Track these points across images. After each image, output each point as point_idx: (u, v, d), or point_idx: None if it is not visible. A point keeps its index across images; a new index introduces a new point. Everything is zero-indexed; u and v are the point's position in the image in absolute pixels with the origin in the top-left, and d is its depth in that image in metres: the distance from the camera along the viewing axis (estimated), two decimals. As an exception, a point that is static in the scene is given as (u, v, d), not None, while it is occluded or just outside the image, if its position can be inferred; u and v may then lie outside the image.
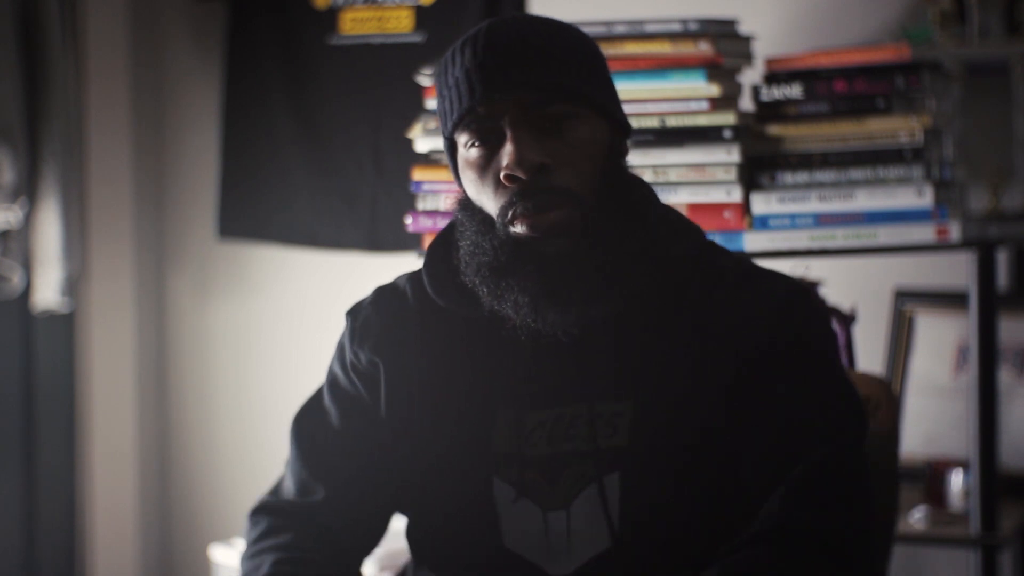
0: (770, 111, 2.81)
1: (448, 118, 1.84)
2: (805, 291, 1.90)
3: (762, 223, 2.76)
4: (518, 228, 1.80)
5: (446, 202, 2.83)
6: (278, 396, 3.82)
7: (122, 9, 3.90)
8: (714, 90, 2.74)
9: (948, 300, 3.26)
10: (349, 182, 3.77)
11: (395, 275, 2.02)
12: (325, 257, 3.81)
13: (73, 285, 3.79)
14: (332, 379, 2.00)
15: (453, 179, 1.90)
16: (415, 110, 3.01)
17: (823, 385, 1.85)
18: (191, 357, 4.01)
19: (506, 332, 1.84)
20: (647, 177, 2.76)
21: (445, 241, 1.93)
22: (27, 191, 3.69)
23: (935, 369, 3.27)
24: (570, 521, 1.82)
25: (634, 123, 2.75)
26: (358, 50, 3.75)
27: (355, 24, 3.76)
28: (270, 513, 1.96)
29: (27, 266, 3.73)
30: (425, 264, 1.93)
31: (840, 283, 3.19)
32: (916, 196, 2.72)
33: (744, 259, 1.95)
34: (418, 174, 2.87)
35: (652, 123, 2.76)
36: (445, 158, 1.92)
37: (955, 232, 2.71)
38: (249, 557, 1.92)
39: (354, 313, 1.98)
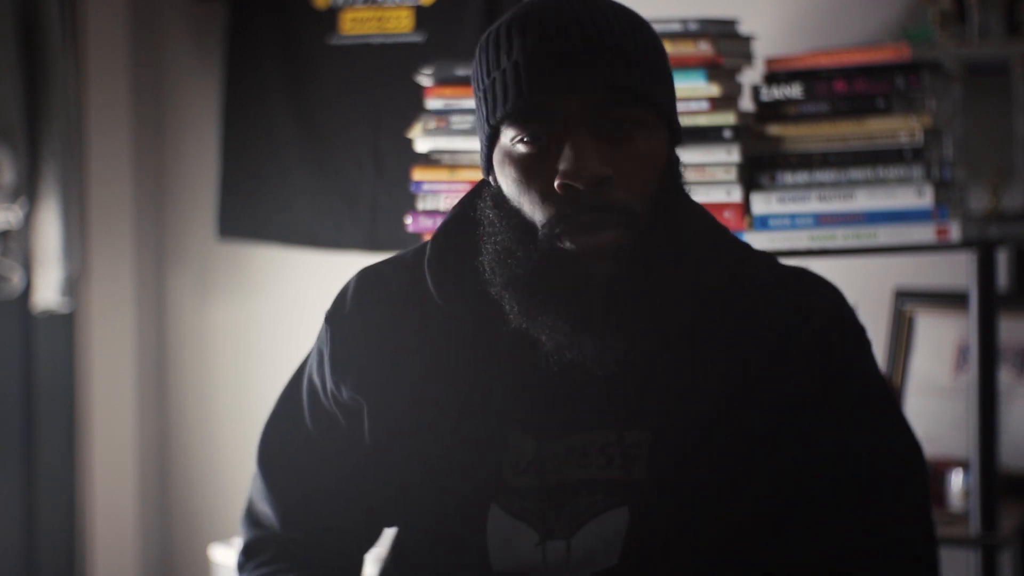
0: (770, 111, 2.81)
1: (497, 106, 1.63)
2: (846, 307, 1.77)
3: (762, 223, 2.76)
4: (566, 244, 1.60)
5: (446, 202, 2.83)
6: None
7: (122, 9, 3.90)
8: (714, 90, 2.74)
9: (948, 300, 3.26)
10: (349, 182, 3.77)
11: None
12: (325, 257, 3.81)
13: (73, 285, 3.79)
14: (311, 391, 1.82)
15: (482, 168, 1.71)
16: (415, 110, 3.01)
17: (885, 424, 1.73)
18: (191, 357, 4.01)
19: (525, 349, 1.66)
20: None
21: (456, 235, 1.73)
22: (27, 191, 3.69)
23: (935, 369, 3.27)
24: (570, 552, 1.67)
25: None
26: (358, 50, 3.75)
27: (355, 24, 3.76)
28: (263, 548, 1.84)
29: (27, 266, 3.73)
30: (430, 261, 1.73)
31: (840, 283, 3.18)
32: (916, 196, 2.72)
33: (773, 264, 1.79)
34: (418, 174, 2.87)
35: (652, 123, 2.76)
36: (480, 144, 1.70)
37: (955, 232, 2.71)
38: None
39: (335, 322, 1.80)
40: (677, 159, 1.71)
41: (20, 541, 3.88)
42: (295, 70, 3.81)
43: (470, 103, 2.79)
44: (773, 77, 2.83)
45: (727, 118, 2.74)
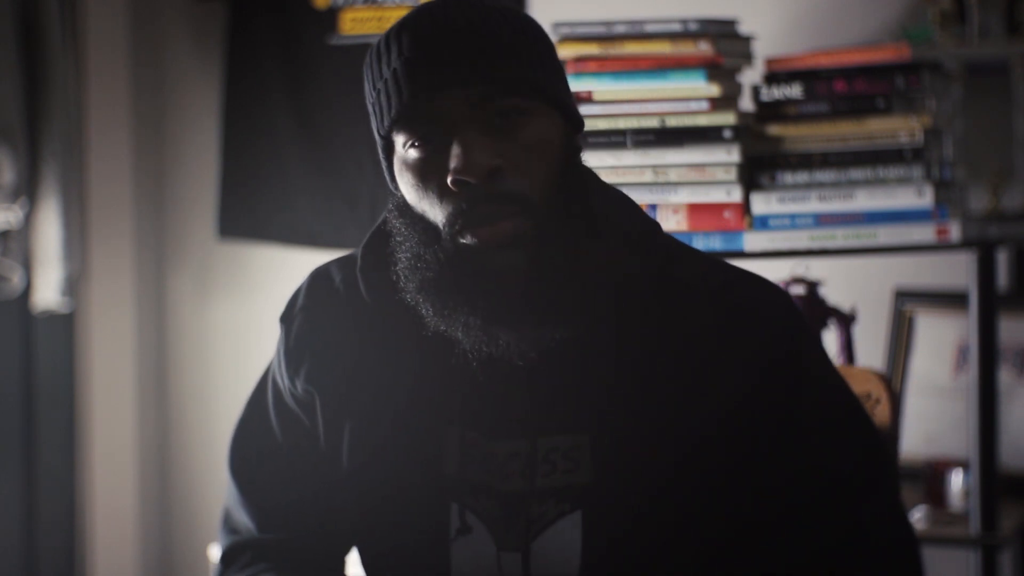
0: (770, 111, 2.81)
1: (384, 115, 1.66)
2: (792, 308, 1.73)
3: (762, 223, 2.76)
4: (467, 239, 1.61)
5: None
6: (278, 396, 3.81)
7: (122, 9, 3.90)
8: (714, 90, 2.74)
9: (948, 300, 3.26)
10: (349, 182, 3.77)
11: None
12: (325, 257, 3.80)
13: (73, 285, 3.79)
14: (276, 393, 1.83)
15: (388, 181, 1.74)
16: (415, 110, 3.01)
17: (846, 424, 1.71)
18: (191, 357, 4.01)
19: (454, 350, 1.65)
20: (647, 177, 2.76)
21: (380, 246, 1.74)
22: (27, 191, 3.69)
23: (935, 369, 3.27)
24: (526, 564, 1.66)
25: (634, 123, 2.77)
26: (358, 50, 3.75)
27: (355, 24, 3.76)
28: (241, 552, 1.85)
29: (27, 266, 3.73)
30: (361, 271, 1.76)
31: (840, 283, 3.19)
32: (916, 196, 2.72)
33: (717, 266, 1.75)
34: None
35: (652, 123, 2.76)
36: (380, 157, 1.74)
37: (955, 232, 2.71)
38: None
39: (287, 322, 1.81)
40: (577, 147, 1.70)
41: (20, 541, 3.88)
42: (295, 70, 3.81)
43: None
44: (773, 77, 2.83)
45: (727, 118, 2.74)
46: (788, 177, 2.78)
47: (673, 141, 2.75)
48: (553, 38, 2.48)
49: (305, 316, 1.80)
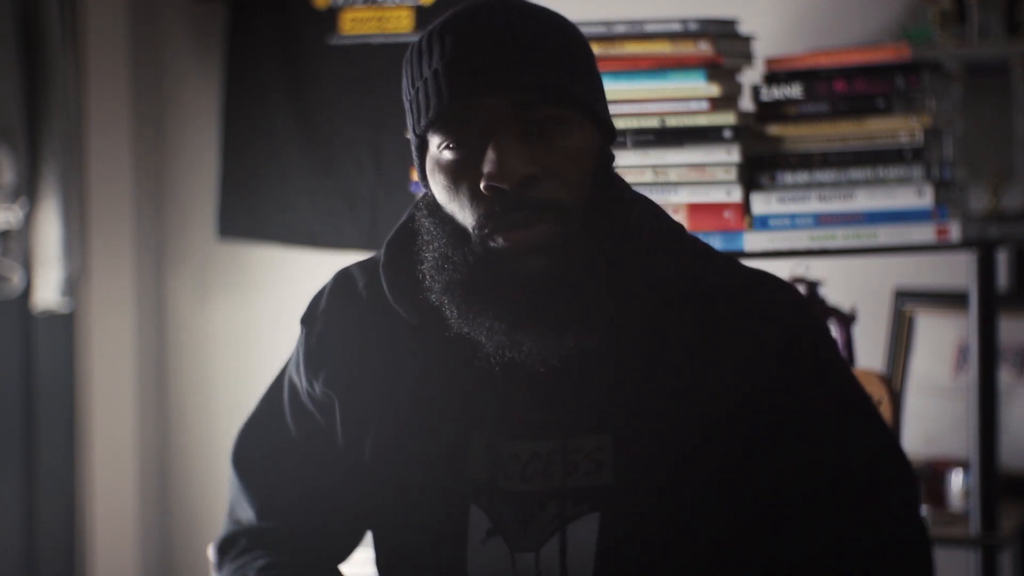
0: (770, 111, 2.81)
1: (421, 115, 1.64)
2: (809, 311, 1.74)
3: (762, 223, 2.76)
4: (498, 242, 1.61)
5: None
6: (278, 396, 3.81)
7: (122, 9, 3.90)
8: (714, 90, 2.74)
9: (948, 300, 3.26)
10: (349, 182, 3.77)
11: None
12: (325, 257, 3.81)
13: (73, 285, 3.79)
14: (292, 392, 1.82)
15: (419, 179, 1.72)
16: (415, 110, 3.01)
17: (864, 426, 1.72)
18: (191, 357, 4.01)
19: (478, 352, 1.65)
20: (647, 177, 2.76)
21: (405, 244, 1.74)
22: (27, 191, 3.69)
23: (935, 369, 3.27)
24: (539, 564, 1.66)
25: (634, 123, 2.77)
26: (358, 50, 3.75)
27: (355, 24, 3.76)
28: (236, 540, 1.83)
29: (27, 266, 3.73)
30: (384, 269, 1.75)
31: (840, 283, 3.19)
32: (916, 196, 2.72)
33: (735, 267, 1.75)
34: (418, 174, 2.87)
35: (652, 123, 2.76)
36: (412, 156, 1.74)
37: (955, 232, 2.71)
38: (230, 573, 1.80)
39: (309, 323, 1.80)
40: (610, 156, 1.70)
41: (20, 541, 3.88)
42: (295, 70, 3.81)
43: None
44: (773, 77, 2.83)
45: (727, 118, 2.74)
46: (788, 177, 2.78)
47: (673, 141, 2.75)
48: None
49: (327, 320, 1.78)
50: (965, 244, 2.73)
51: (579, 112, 1.64)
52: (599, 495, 1.65)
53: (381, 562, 1.77)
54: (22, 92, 3.66)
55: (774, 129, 2.79)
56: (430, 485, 1.69)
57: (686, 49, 2.76)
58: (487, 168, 1.60)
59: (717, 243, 2.74)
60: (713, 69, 2.75)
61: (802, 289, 2.83)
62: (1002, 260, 3.24)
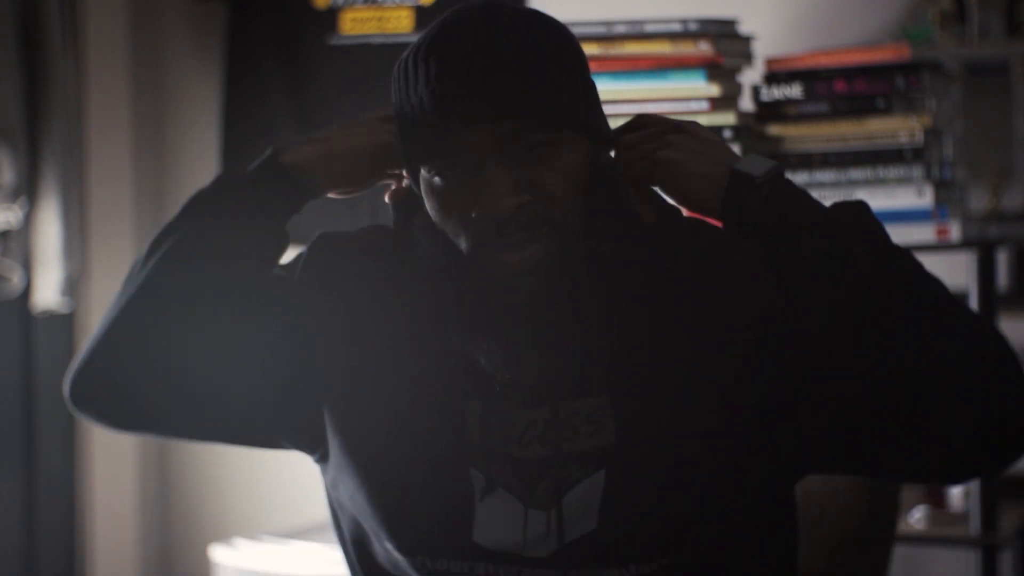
0: (770, 111, 2.81)
1: (410, 142, 1.64)
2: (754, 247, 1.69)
3: (762, 223, 2.76)
4: (491, 267, 1.60)
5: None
6: (278, 396, 3.81)
7: (122, 9, 3.90)
8: (714, 90, 2.74)
9: (948, 300, 3.26)
10: (349, 182, 3.77)
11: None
12: (325, 257, 3.81)
13: (73, 285, 3.79)
14: (272, 280, 1.76)
15: (409, 179, 1.69)
16: (415, 110, 3.01)
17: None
18: (191, 357, 4.01)
19: (475, 320, 1.63)
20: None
21: (409, 217, 1.73)
22: (27, 191, 3.69)
23: (935, 369, 3.26)
24: (549, 523, 1.65)
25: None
26: (358, 50, 3.75)
27: (355, 24, 3.76)
28: None
29: (27, 266, 3.74)
30: (399, 225, 1.76)
31: (840, 283, 3.19)
32: (916, 196, 2.72)
33: (711, 229, 1.74)
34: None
35: (652, 123, 2.76)
36: (407, 168, 1.69)
37: (955, 232, 2.71)
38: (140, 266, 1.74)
39: (291, 271, 1.77)
40: (610, 162, 1.68)
41: (20, 541, 3.88)
42: (295, 70, 3.81)
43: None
44: (773, 77, 2.83)
45: (727, 118, 2.74)
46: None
47: (673, 141, 2.75)
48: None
49: (316, 275, 1.77)
50: (965, 244, 2.73)
51: (571, 131, 1.62)
52: (603, 455, 1.65)
53: (391, 528, 1.74)
54: (22, 92, 3.66)
55: (774, 129, 2.79)
56: (429, 448, 1.68)
57: (686, 49, 2.76)
58: (478, 199, 1.59)
59: (717, 243, 2.74)
60: (713, 69, 2.75)
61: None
62: (1002, 260, 3.24)
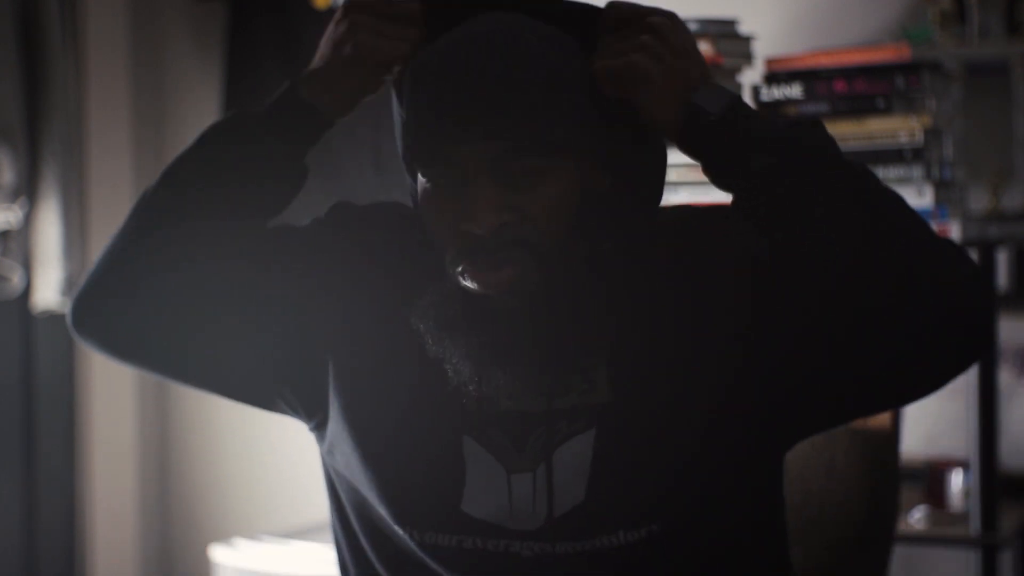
0: (770, 111, 2.81)
1: (406, 149, 1.67)
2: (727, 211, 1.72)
3: (762, 223, 2.76)
4: (468, 283, 1.61)
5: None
6: (278, 396, 3.81)
7: (122, 9, 3.90)
8: (714, 90, 2.74)
9: (948, 300, 3.25)
10: (349, 182, 3.77)
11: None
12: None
13: (73, 285, 3.79)
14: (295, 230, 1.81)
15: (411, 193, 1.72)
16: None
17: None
18: (191, 357, 4.01)
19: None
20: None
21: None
22: (27, 191, 3.69)
23: (935, 369, 3.26)
24: (535, 485, 1.66)
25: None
26: (358, 50, 3.75)
27: (355, 24, 3.76)
28: None
29: (27, 266, 3.74)
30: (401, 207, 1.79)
31: (840, 283, 3.19)
32: (916, 196, 2.72)
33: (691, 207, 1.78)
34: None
35: (652, 123, 2.76)
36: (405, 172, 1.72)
37: (955, 232, 2.71)
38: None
39: (336, 213, 1.83)
40: (601, 180, 1.68)
41: (20, 541, 3.88)
42: (295, 70, 3.81)
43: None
44: (773, 77, 2.83)
45: (727, 118, 2.74)
46: (788, 177, 2.78)
47: (673, 141, 2.75)
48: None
49: (331, 234, 1.80)
50: (965, 244, 2.73)
51: (560, 159, 1.63)
52: (595, 412, 1.66)
53: (385, 496, 1.74)
54: (22, 92, 3.66)
55: (774, 129, 2.79)
56: (423, 416, 1.69)
57: (686, 49, 2.76)
58: (463, 212, 1.61)
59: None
60: (713, 69, 2.75)
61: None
62: (1002, 260, 3.24)
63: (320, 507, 3.77)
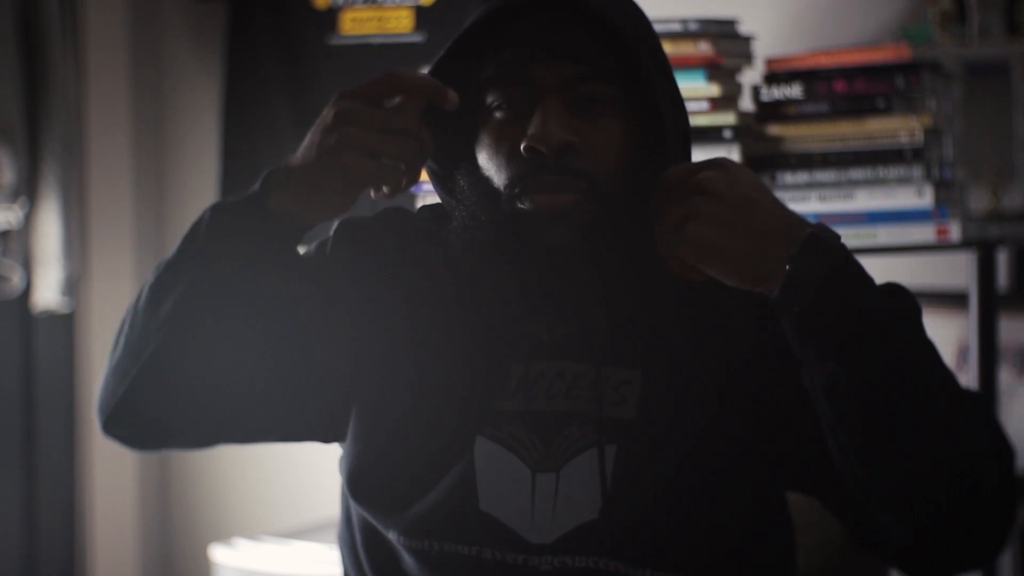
0: (770, 111, 2.81)
1: (480, 67, 1.67)
2: None
3: (762, 223, 2.76)
4: (526, 204, 1.62)
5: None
6: (278, 396, 3.81)
7: (122, 9, 3.90)
8: (714, 90, 2.74)
9: (948, 300, 3.26)
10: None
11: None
12: (325, 257, 3.81)
13: (73, 285, 3.79)
14: (308, 252, 1.79)
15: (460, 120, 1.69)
16: (415, 110, 3.01)
17: None
18: (191, 357, 4.01)
19: (510, 282, 1.65)
20: (647, 177, 2.76)
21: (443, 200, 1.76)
22: (27, 191, 3.69)
23: (935, 369, 3.26)
24: (559, 484, 1.66)
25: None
26: (358, 50, 3.75)
27: (355, 24, 3.76)
28: None
29: (27, 266, 3.74)
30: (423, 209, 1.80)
31: (840, 283, 3.18)
32: (916, 196, 2.72)
33: None
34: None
35: (652, 123, 2.76)
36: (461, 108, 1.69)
37: (955, 232, 2.71)
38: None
39: (353, 219, 1.80)
40: (661, 145, 1.68)
41: (20, 541, 3.88)
42: (295, 70, 3.81)
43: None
44: (773, 77, 2.83)
45: (727, 118, 2.74)
46: (788, 177, 2.78)
47: (673, 141, 2.75)
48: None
49: (345, 255, 1.77)
50: (965, 244, 2.73)
51: (630, 97, 1.65)
52: (619, 428, 1.66)
53: (394, 488, 1.74)
54: (22, 92, 3.66)
55: (774, 129, 2.79)
56: (434, 420, 1.69)
57: (686, 49, 2.76)
58: (531, 129, 1.62)
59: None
60: (713, 69, 2.75)
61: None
62: (1002, 260, 3.24)
63: (320, 507, 3.77)
